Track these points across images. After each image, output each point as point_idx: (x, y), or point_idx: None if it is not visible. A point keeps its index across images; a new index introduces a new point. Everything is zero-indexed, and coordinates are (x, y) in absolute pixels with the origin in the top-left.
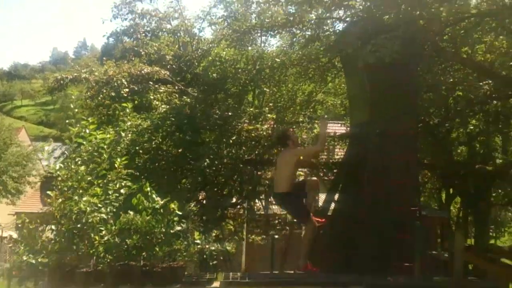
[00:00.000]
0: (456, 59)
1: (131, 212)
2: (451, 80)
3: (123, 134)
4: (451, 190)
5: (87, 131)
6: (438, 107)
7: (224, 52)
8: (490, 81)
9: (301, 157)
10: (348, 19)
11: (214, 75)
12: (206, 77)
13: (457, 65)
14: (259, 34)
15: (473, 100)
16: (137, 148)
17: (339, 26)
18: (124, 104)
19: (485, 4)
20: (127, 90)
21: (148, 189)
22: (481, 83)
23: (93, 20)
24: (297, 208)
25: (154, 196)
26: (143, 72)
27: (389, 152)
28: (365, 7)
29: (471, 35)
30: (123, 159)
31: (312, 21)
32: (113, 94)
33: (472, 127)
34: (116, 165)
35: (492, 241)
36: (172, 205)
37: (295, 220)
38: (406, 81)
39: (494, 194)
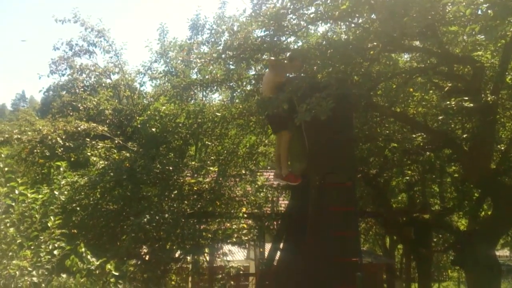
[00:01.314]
0: (389, 113)
1: (64, 275)
2: (387, 132)
3: (56, 193)
4: (394, 237)
5: (17, 191)
6: (377, 157)
7: (164, 107)
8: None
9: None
10: None
11: (154, 129)
12: (144, 131)
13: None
14: (199, 89)
15: (409, 150)
16: (74, 205)
17: None
18: (58, 163)
19: (414, 63)
20: (62, 149)
21: (83, 249)
22: (414, 135)
23: (33, 72)
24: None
25: (89, 256)
26: (79, 129)
27: (328, 204)
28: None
29: (402, 91)
30: (56, 218)
31: (251, 78)
32: (47, 153)
33: (408, 177)
34: (49, 225)
35: (436, 286)
36: (109, 266)
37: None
38: (343, 133)
39: (435, 240)
